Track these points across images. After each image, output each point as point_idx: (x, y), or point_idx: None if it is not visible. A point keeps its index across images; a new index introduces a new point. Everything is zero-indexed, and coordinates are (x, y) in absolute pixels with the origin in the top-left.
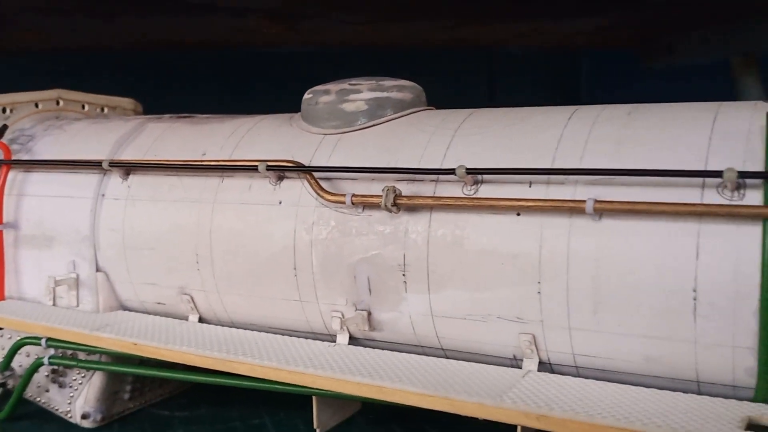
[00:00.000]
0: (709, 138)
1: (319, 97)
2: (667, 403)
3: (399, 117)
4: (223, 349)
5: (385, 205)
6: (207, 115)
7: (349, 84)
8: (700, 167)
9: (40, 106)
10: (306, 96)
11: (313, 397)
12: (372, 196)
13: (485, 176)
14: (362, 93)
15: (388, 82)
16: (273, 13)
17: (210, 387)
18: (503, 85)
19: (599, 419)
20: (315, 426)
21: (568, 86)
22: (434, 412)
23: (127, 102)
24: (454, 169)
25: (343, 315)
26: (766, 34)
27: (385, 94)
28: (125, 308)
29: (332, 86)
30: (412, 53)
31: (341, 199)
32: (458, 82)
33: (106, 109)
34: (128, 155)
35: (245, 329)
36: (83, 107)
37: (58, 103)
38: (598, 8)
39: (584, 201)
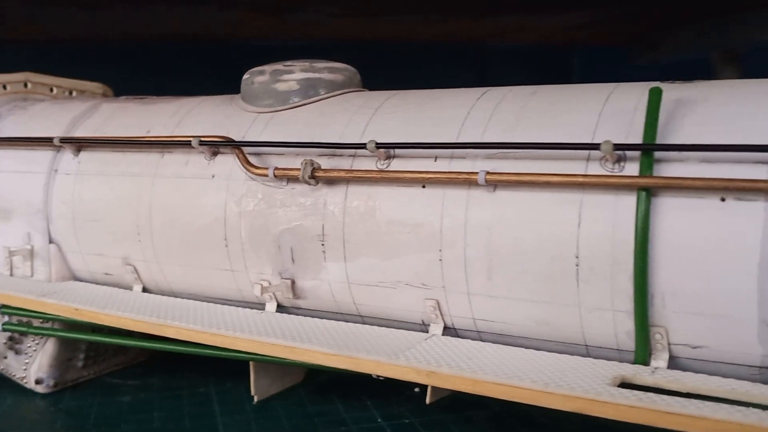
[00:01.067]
0: (599, 115)
1: (255, 77)
2: (550, 364)
3: (329, 97)
4: (154, 314)
5: (304, 178)
6: (156, 96)
7: (284, 65)
8: (588, 141)
9: (8, 88)
10: (244, 76)
11: (250, 364)
12: (293, 169)
13: (397, 151)
14: (294, 74)
15: (321, 64)
16: (260, 5)
17: (165, 359)
18: (494, 81)
19: (481, 375)
20: (252, 392)
21: (558, 82)
22: (373, 386)
23: (95, 86)
24: (365, 144)
25: (269, 283)
26: (745, 30)
27: (316, 75)
28: (77, 278)
29: (268, 67)
30: (403, 48)
31: (265, 172)
32: (449, 77)
33: (74, 93)
34: (81, 133)
35: (185, 298)
36: (51, 90)
37: (26, 85)
38: (582, 4)
39: (477, 173)
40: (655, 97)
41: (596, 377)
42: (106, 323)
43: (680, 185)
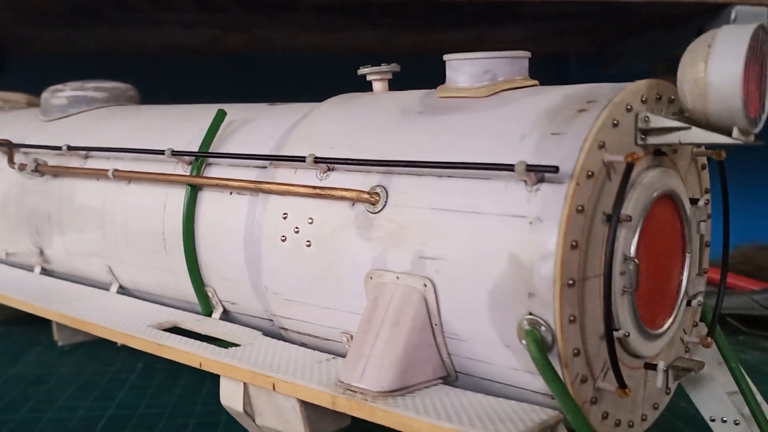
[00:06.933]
0: (200, 129)
1: (44, 93)
2: (147, 313)
3: (92, 110)
4: None
5: (29, 171)
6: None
7: (62, 84)
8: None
9: None
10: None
11: None
12: (25, 165)
13: (92, 152)
14: (65, 92)
15: (92, 84)
16: (222, 25)
17: (31, 318)
18: None
19: (101, 322)
20: (56, 338)
21: None
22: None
23: (19, 96)
24: (61, 147)
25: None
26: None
27: (82, 93)
28: None
29: (54, 86)
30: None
31: (14, 166)
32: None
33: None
34: None
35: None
36: None
37: None
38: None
39: (108, 169)
40: (218, 117)
41: (152, 322)
42: None
43: (208, 183)
